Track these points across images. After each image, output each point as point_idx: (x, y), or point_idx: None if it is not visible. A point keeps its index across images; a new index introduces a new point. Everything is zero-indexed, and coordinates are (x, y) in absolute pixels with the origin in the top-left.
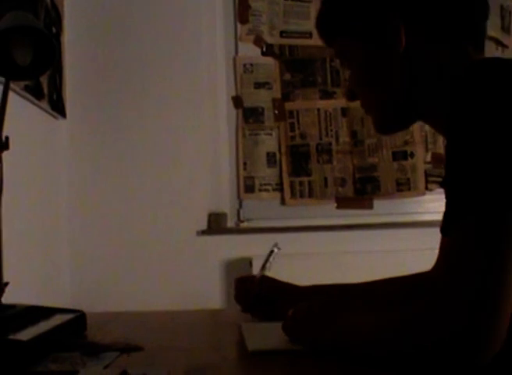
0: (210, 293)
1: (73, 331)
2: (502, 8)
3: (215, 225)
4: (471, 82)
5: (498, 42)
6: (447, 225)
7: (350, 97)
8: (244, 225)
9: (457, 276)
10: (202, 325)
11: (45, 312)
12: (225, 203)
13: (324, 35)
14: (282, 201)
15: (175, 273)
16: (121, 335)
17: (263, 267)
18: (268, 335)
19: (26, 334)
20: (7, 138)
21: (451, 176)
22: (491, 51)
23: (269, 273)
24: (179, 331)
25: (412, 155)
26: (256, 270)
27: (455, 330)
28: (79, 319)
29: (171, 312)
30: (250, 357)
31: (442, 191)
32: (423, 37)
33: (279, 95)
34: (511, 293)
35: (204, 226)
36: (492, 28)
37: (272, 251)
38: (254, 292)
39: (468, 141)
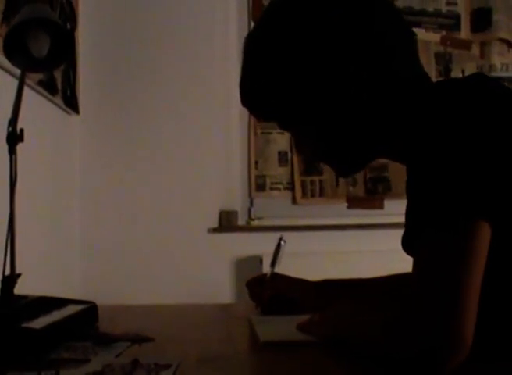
0: (220, 290)
1: (85, 322)
2: None
3: (226, 223)
4: (426, 107)
5: (510, 44)
6: (413, 238)
7: (301, 152)
8: (255, 223)
9: (427, 289)
10: (213, 318)
11: (58, 303)
12: (237, 201)
13: (258, 115)
14: (293, 200)
15: (185, 270)
16: (132, 327)
17: (272, 264)
18: (279, 327)
19: (38, 323)
20: (22, 130)
21: (416, 195)
22: (503, 53)
23: (280, 269)
24: (190, 324)
25: None
26: (266, 268)
27: (425, 338)
28: (91, 310)
29: (182, 306)
30: (261, 348)
31: None
32: (373, 80)
33: None
34: (476, 303)
35: (215, 223)
36: (505, 30)
37: (279, 246)
38: (268, 293)
39: (431, 163)
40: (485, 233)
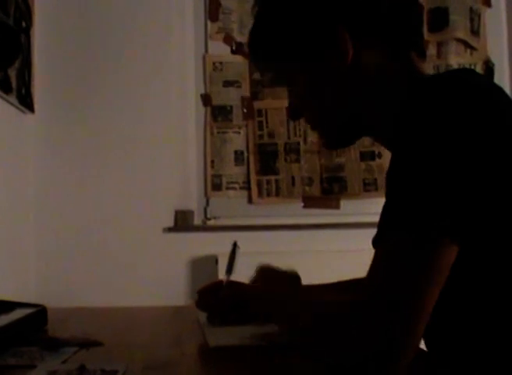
0: (176, 290)
1: (34, 326)
2: (471, 10)
3: (182, 222)
4: (418, 101)
5: (467, 44)
6: (379, 236)
7: (294, 116)
8: (211, 223)
9: (378, 294)
10: (164, 321)
11: (5, 307)
12: (192, 201)
13: (258, 61)
14: (249, 200)
15: (141, 270)
16: (81, 330)
17: (228, 271)
18: (229, 331)
19: None
20: None
21: (392, 190)
22: (460, 53)
23: (235, 270)
24: (141, 327)
25: (380, 155)
26: (222, 268)
27: (367, 345)
28: (39, 313)
29: (133, 308)
30: (209, 353)
31: None
32: (367, 48)
33: (247, 94)
34: (426, 317)
35: (170, 223)
36: (461, 30)
37: (233, 252)
38: (226, 303)
39: (412, 161)
40: (448, 252)
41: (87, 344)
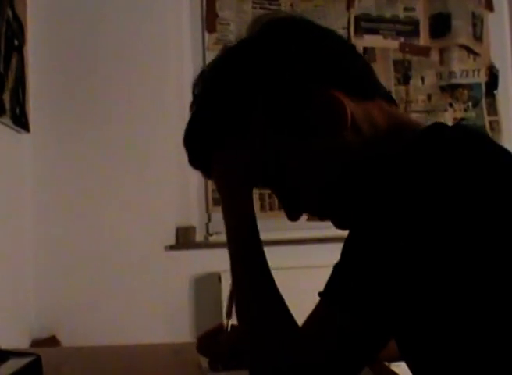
0: (179, 309)
1: None
2: (473, 15)
3: (184, 239)
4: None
5: (470, 50)
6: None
7: (296, 216)
8: (213, 238)
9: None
10: (163, 364)
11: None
12: (194, 216)
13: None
14: None
15: (142, 290)
16: None
17: (228, 314)
18: None
19: None
20: None
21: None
22: (462, 59)
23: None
24: (137, 373)
25: None
26: (225, 286)
27: None
28: (34, 363)
29: (132, 348)
30: None
31: None
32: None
33: None
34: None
35: (172, 240)
36: (464, 36)
37: (232, 294)
38: (228, 347)
39: (363, 239)
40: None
41: None
